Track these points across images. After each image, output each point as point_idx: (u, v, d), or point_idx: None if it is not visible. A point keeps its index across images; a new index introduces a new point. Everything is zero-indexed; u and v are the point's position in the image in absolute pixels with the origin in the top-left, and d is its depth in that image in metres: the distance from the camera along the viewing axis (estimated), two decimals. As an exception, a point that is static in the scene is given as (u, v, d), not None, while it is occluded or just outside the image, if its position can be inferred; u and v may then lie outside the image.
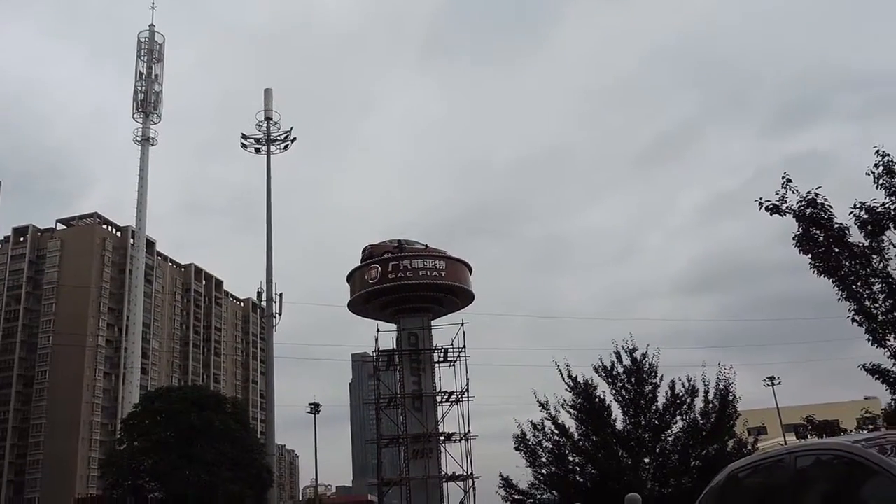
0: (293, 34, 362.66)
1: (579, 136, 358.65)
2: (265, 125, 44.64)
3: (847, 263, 12.33)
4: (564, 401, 27.29)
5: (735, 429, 26.64)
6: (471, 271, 46.30)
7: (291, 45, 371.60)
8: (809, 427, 18.72)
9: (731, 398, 26.06)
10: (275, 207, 44.42)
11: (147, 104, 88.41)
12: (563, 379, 27.37)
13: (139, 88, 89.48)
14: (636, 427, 26.12)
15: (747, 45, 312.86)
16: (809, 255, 12.61)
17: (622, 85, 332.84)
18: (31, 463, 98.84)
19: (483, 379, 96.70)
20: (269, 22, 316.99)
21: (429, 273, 43.40)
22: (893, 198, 11.81)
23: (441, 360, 43.95)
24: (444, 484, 42.69)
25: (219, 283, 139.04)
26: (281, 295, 41.92)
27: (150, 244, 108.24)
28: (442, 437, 42.83)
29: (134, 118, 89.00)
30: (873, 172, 11.92)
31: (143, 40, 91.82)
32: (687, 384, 26.35)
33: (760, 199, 12.51)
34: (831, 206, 12.25)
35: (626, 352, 26.75)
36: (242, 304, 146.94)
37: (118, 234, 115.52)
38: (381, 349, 44.28)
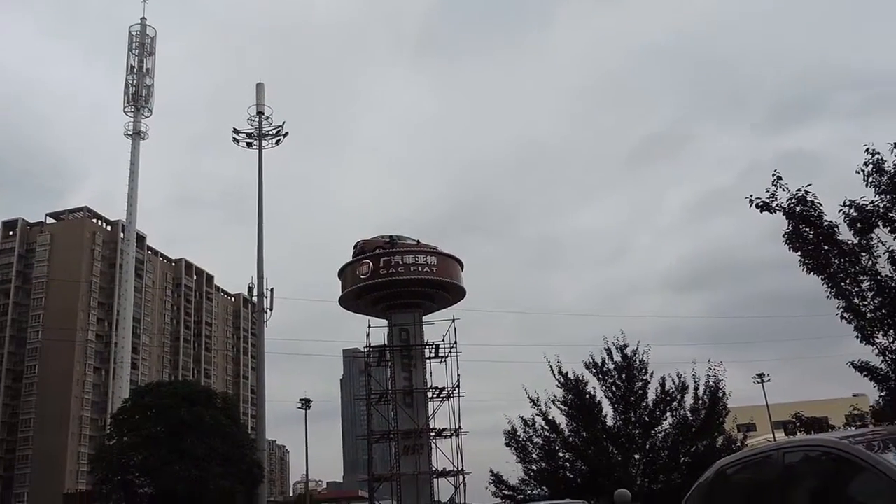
0: (286, 29, 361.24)
1: (571, 134, 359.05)
2: (257, 119, 44.42)
3: (836, 261, 12.37)
4: (555, 397, 27.49)
5: (724, 425, 26.87)
6: (462, 267, 46.31)
7: (284, 40, 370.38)
8: (798, 424, 18.76)
9: (720, 395, 26.26)
10: (267, 202, 44.46)
11: (138, 98, 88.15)
12: (554, 375, 27.56)
13: (130, 82, 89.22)
14: (626, 423, 26.28)
15: (746, 45, 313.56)
16: (799, 253, 12.64)
17: (614, 85, 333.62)
18: (21, 458, 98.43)
19: (474, 375, 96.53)
20: (261, 16, 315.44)
21: (420, 269, 43.37)
22: (882, 195, 11.86)
23: (432, 355, 44.03)
24: (435, 480, 42.85)
25: (209, 278, 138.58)
26: (272, 290, 41.79)
27: (141, 238, 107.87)
28: (433, 433, 42.94)
29: (125, 112, 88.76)
30: (863, 170, 11.97)
31: (134, 34, 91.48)
32: (677, 381, 26.57)
33: (751, 196, 12.54)
34: (821, 204, 12.28)
35: (616, 348, 26.92)
36: (233, 298, 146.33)
37: (108, 228, 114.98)
38: (372, 345, 44.33)
